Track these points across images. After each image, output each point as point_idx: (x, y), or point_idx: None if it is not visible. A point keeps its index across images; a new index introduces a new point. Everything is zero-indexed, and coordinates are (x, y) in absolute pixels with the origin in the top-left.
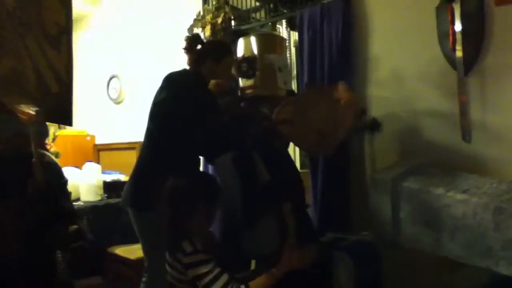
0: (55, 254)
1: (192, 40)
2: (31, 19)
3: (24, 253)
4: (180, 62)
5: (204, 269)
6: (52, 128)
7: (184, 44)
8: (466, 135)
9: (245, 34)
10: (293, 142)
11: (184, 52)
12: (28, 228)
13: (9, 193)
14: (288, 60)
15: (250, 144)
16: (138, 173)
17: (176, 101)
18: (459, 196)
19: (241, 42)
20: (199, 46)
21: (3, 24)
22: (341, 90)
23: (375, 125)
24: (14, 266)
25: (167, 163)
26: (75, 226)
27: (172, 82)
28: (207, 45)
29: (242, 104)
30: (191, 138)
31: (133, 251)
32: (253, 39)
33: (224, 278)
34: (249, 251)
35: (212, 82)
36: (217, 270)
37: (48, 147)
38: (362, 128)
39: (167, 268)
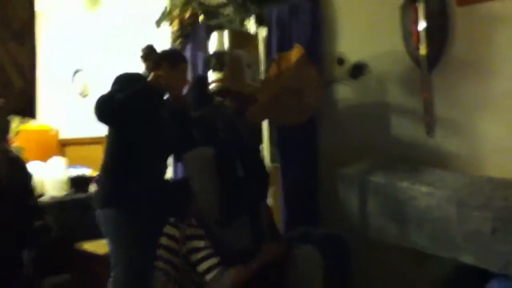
0: (21, 251)
1: (148, 50)
2: None
3: None
4: None
5: (200, 244)
6: (15, 123)
7: (140, 53)
8: (430, 130)
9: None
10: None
11: (142, 61)
12: None
13: None
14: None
15: (222, 139)
16: (104, 172)
17: (113, 92)
18: (424, 189)
19: (214, 36)
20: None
21: None
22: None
23: (358, 70)
24: None
25: (128, 160)
26: (40, 222)
27: (118, 78)
28: (163, 51)
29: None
30: (146, 132)
31: (101, 246)
32: (225, 34)
33: (215, 260)
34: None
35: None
36: (210, 250)
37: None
38: (345, 76)
39: (164, 253)
